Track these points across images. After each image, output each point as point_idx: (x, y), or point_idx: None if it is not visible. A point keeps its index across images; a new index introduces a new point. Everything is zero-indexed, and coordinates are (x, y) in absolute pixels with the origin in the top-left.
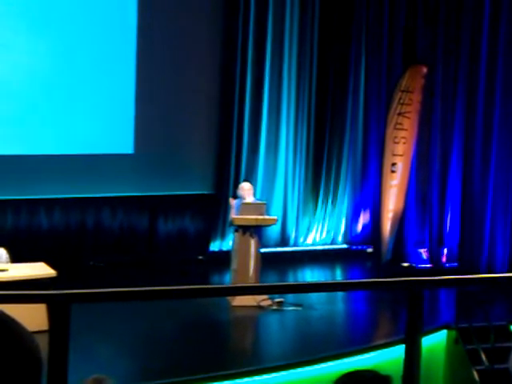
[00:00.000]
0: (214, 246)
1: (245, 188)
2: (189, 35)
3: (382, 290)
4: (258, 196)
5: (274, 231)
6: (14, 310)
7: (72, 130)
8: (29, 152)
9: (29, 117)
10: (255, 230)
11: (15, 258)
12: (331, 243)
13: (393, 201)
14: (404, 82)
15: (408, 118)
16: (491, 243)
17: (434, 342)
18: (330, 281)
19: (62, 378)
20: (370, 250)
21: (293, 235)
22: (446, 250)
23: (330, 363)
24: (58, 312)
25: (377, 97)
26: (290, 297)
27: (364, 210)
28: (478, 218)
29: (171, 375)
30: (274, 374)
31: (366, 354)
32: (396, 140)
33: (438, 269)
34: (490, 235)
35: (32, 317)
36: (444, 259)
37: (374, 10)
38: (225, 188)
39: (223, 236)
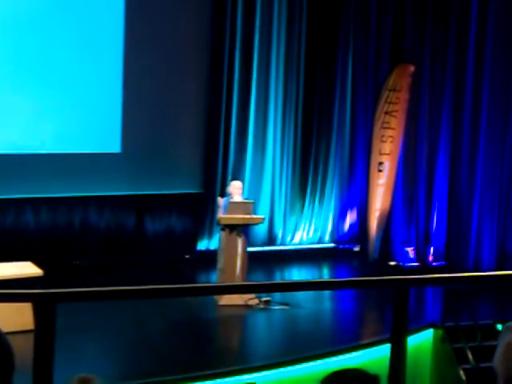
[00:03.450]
0: (201, 245)
1: (236, 186)
2: (176, 35)
3: (369, 288)
4: (245, 195)
5: (261, 230)
6: (0, 309)
7: (59, 129)
8: (15, 151)
9: (14, 116)
10: (242, 229)
11: (2, 257)
12: (318, 242)
13: (380, 200)
14: (391, 81)
15: (395, 116)
16: (478, 242)
17: (421, 341)
18: (316, 279)
19: (47, 377)
20: (356, 248)
21: (280, 234)
22: (432, 249)
23: (317, 362)
24: (44, 311)
25: (364, 96)
26: (277, 296)
27: (351, 209)
28: (464, 217)
29: (158, 374)
30: (261, 373)
31: (353, 353)
32: (383, 139)
33: (425, 267)
34: (477, 234)
35: (18, 316)
36: (431, 258)
37: (361, 9)
38: (212, 187)
39: (210, 235)
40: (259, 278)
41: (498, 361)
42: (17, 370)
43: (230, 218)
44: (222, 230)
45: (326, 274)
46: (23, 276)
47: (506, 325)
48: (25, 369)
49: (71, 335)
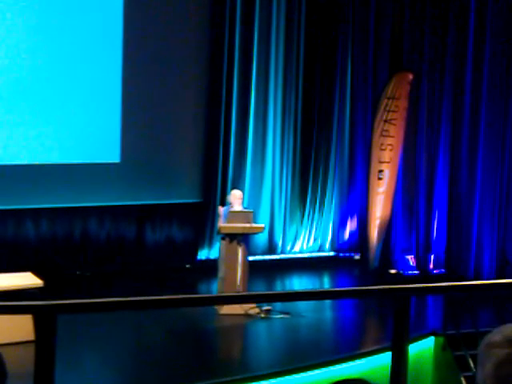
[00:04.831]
0: (202, 255)
1: (236, 195)
2: (175, 45)
3: (370, 297)
4: (245, 204)
5: (261, 239)
6: (1, 321)
7: (58, 140)
8: (14, 162)
9: (14, 126)
10: (242, 238)
11: (2, 268)
12: (318, 251)
13: (380, 208)
14: (390, 89)
15: (394, 124)
16: (478, 249)
17: (422, 349)
18: (317, 289)
19: None
20: (357, 257)
21: (280, 243)
22: (433, 257)
23: (319, 371)
24: (45, 322)
25: (363, 104)
26: (278, 305)
27: (351, 218)
28: (464, 225)
29: None
30: (262, 383)
31: (354, 361)
32: (382, 147)
33: (426, 275)
34: (477, 241)
35: (19, 327)
36: (431, 266)
37: (359, 17)
38: (212, 196)
39: (211, 244)
40: (260, 287)
41: (488, 378)
42: (17, 381)
43: (230, 227)
44: (223, 239)
45: (326, 283)
46: (24, 287)
47: (486, 341)
48: (25, 380)
49: (72, 345)
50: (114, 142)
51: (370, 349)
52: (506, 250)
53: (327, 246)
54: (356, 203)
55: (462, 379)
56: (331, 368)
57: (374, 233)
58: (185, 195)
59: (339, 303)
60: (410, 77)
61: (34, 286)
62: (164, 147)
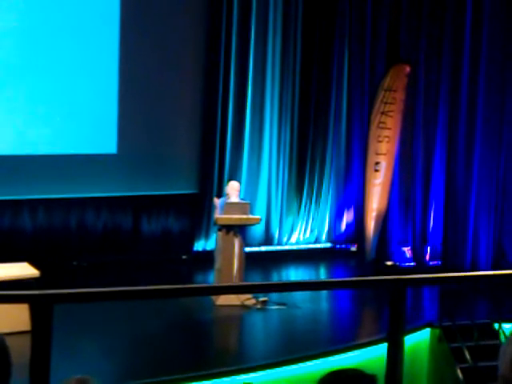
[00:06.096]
0: (198, 246)
1: (234, 187)
2: (172, 36)
3: (366, 288)
4: (241, 195)
5: (257, 230)
6: None
7: (55, 131)
8: (11, 152)
9: (11, 117)
10: (239, 230)
11: None
12: (315, 242)
13: (376, 200)
14: (387, 81)
15: (391, 116)
16: (474, 241)
17: (418, 341)
18: (313, 280)
19: (44, 378)
20: (353, 248)
21: (277, 234)
22: (429, 249)
23: (315, 362)
24: (41, 312)
25: (360, 96)
26: (274, 296)
27: (348, 209)
28: (461, 217)
29: (155, 375)
30: (258, 373)
31: (350, 353)
32: (379, 139)
33: (422, 267)
34: (474, 233)
35: (15, 317)
36: (427, 257)
37: (357, 9)
38: (208, 187)
39: (207, 236)
40: (256, 279)
41: (507, 365)
42: (13, 371)
43: (226, 219)
44: (219, 230)
45: (322, 274)
46: (20, 277)
47: None
48: (21, 370)
49: (68, 336)
50: (111, 133)
51: (365, 340)
52: (502, 242)
53: (324, 237)
54: (352, 195)
55: (458, 371)
56: (327, 359)
57: (370, 224)
58: (181, 186)
59: (335, 294)
60: (407, 69)
61: (30, 277)
62: (161, 138)
